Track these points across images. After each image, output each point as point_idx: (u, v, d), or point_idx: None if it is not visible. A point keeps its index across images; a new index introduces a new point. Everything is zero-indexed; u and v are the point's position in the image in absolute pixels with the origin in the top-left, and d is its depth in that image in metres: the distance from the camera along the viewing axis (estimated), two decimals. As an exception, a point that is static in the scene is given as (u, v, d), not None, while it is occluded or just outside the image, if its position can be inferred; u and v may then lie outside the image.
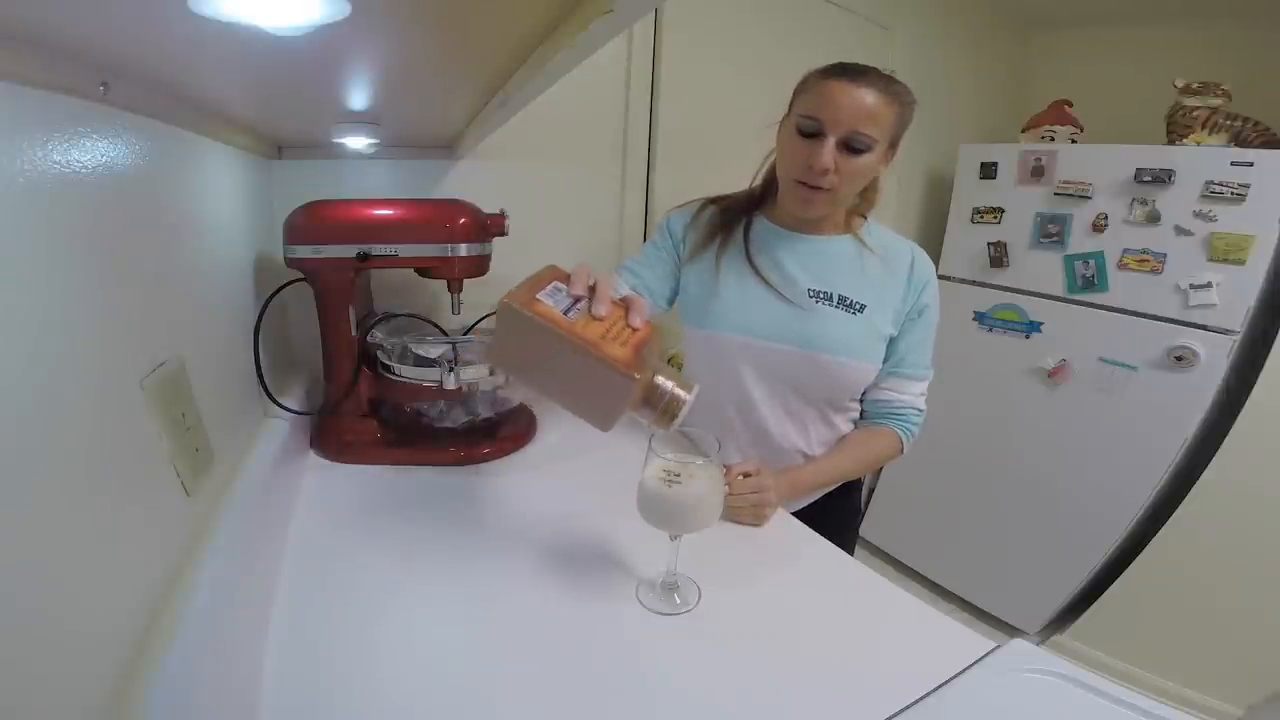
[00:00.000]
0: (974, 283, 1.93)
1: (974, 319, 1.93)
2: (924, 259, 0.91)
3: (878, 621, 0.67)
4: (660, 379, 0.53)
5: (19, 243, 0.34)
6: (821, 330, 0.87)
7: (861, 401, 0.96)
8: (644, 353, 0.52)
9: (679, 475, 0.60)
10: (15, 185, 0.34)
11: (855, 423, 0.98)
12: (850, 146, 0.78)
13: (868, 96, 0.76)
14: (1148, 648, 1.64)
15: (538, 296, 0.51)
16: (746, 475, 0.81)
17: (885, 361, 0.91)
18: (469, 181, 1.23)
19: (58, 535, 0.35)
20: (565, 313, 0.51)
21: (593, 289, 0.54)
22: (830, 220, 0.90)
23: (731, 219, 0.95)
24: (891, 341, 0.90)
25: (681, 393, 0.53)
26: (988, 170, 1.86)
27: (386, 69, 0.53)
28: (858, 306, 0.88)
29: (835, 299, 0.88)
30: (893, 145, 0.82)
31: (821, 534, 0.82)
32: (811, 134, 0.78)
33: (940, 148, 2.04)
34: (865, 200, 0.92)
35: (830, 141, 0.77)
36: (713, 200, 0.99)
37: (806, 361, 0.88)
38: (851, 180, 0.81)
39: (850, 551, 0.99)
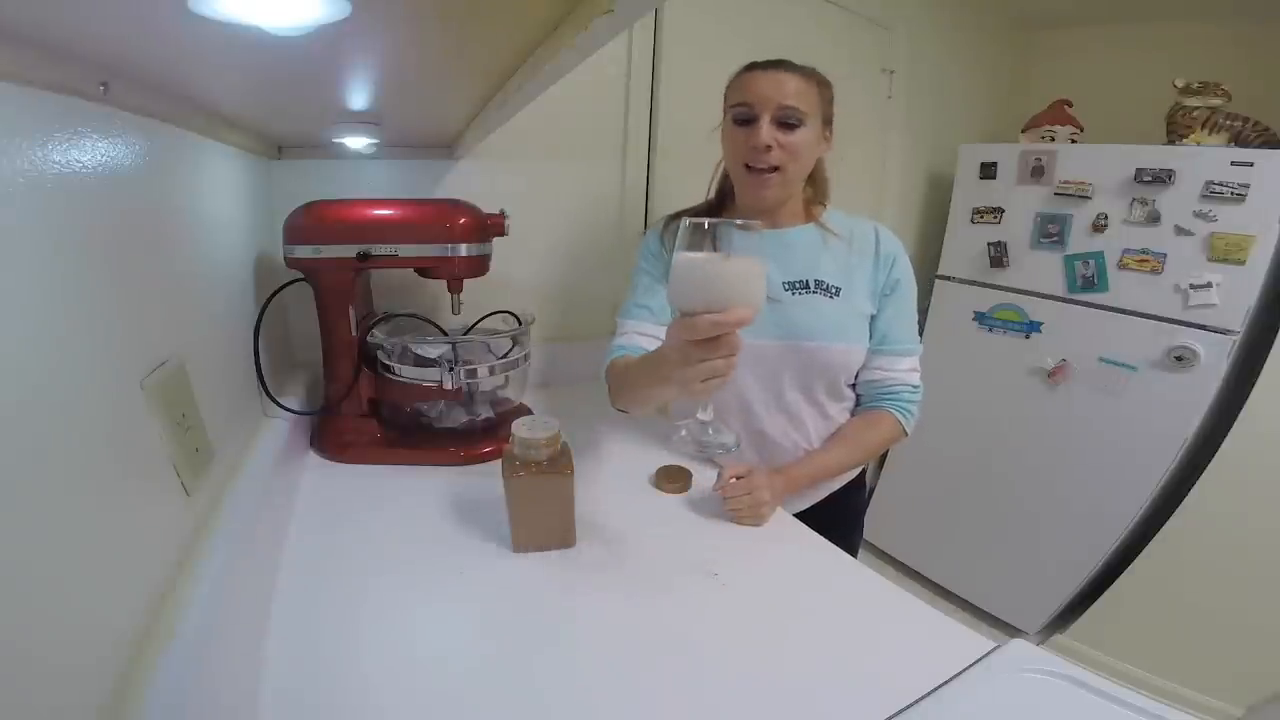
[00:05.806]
0: (974, 283, 1.93)
1: (974, 319, 1.93)
2: (887, 234, 0.94)
3: (878, 621, 0.66)
4: None
5: (19, 243, 0.34)
6: (802, 318, 0.89)
7: (855, 388, 0.97)
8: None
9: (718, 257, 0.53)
10: (15, 185, 0.34)
11: (852, 412, 0.98)
12: (784, 123, 0.83)
13: (787, 80, 0.83)
14: (1148, 648, 1.64)
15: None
16: (738, 478, 0.82)
17: (869, 341, 0.92)
18: (469, 181, 1.22)
19: (58, 535, 0.35)
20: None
21: None
22: (789, 210, 0.93)
23: None
24: (871, 320, 0.92)
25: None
26: (988, 170, 1.85)
27: (386, 69, 0.53)
28: (833, 290, 0.90)
29: (811, 285, 0.90)
30: (827, 124, 0.88)
31: (824, 534, 0.82)
32: (746, 120, 0.84)
33: (940, 148, 2.04)
34: (817, 191, 0.96)
35: (764, 120, 0.82)
36: (674, 216, 1.00)
37: (793, 351, 0.89)
38: (795, 156, 0.84)
39: (854, 552, 0.99)
